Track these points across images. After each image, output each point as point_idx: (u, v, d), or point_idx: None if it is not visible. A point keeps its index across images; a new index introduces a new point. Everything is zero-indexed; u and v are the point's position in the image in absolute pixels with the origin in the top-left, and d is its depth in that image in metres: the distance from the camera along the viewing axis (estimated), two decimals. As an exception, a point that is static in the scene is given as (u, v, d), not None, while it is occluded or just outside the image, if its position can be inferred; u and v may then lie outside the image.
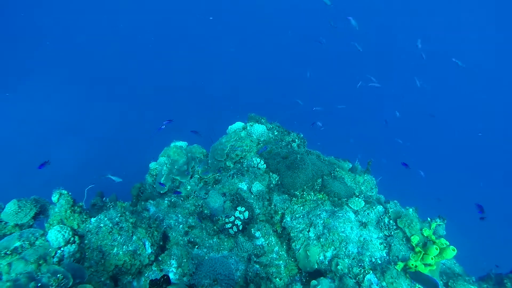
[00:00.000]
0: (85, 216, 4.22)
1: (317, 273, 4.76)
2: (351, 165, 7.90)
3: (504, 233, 17.59)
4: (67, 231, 3.89)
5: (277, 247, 5.13)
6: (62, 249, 3.80)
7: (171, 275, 4.29)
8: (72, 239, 3.91)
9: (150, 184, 6.87)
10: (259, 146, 6.61)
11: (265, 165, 6.05)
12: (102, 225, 4.07)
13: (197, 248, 4.95)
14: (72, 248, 3.83)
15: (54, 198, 4.26)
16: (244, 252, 4.95)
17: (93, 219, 4.19)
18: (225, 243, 5.13)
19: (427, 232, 4.75)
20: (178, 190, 6.02)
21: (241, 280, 4.49)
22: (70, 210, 4.11)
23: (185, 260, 4.45)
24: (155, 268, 4.36)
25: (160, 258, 4.49)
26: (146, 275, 4.29)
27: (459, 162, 25.59)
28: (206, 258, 4.78)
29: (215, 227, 5.26)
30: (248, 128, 7.04)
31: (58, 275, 3.11)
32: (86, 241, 4.00)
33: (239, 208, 5.21)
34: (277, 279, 4.70)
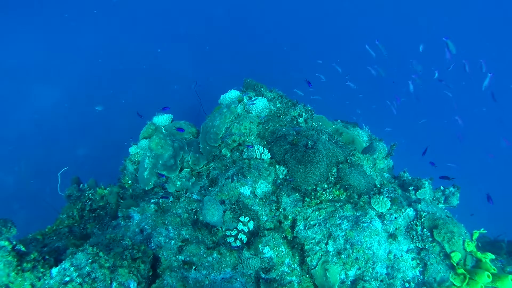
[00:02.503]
0: (42, 269, 3.19)
1: (338, 294, 4.09)
2: (362, 134, 6.92)
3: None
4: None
5: (288, 259, 4.35)
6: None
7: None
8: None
9: (132, 174, 5.80)
10: (259, 127, 5.43)
11: (269, 154, 4.97)
12: (67, 279, 3.10)
13: (195, 269, 4.13)
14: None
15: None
16: (251, 269, 4.17)
17: (54, 271, 3.18)
18: (227, 259, 4.31)
19: (470, 246, 3.98)
20: (165, 187, 5.00)
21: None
22: (16, 272, 3.06)
23: (181, 296, 3.66)
24: (146, 311, 3.58)
25: (151, 296, 3.68)
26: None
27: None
28: (207, 283, 4.00)
29: (213, 238, 4.41)
30: (245, 101, 5.76)
31: None
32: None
33: (242, 219, 4.29)
34: (291, 302, 4.03)
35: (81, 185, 6.57)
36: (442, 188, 6.41)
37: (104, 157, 19.29)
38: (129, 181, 6.01)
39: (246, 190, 4.45)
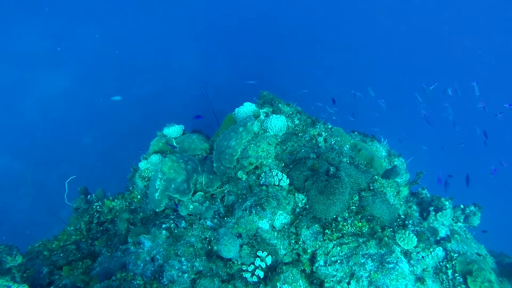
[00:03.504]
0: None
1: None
2: (380, 148, 6.62)
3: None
4: None
5: (306, 295, 4.14)
6: None
7: None
8: None
9: (142, 190, 5.57)
10: (277, 148, 5.12)
11: (288, 180, 4.68)
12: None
13: (209, 306, 3.93)
14: None
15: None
16: (268, 307, 3.97)
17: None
18: (243, 294, 4.10)
19: (504, 296, 3.72)
20: (177, 210, 4.75)
21: None
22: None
23: None
24: None
25: None
26: None
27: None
28: (221, 322, 3.81)
29: (228, 270, 4.18)
30: (262, 117, 5.43)
31: None
32: None
33: (259, 254, 4.05)
34: None
35: (89, 196, 6.36)
36: (462, 206, 6.13)
37: (110, 147, 19.19)
38: (138, 196, 5.79)
39: (264, 224, 4.19)
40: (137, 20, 25.63)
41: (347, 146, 6.05)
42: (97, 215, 5.94)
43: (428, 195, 6.15)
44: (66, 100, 20.98)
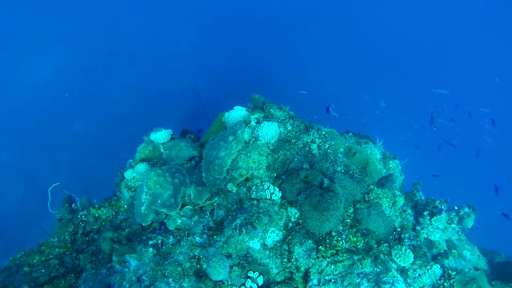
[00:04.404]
0: None
1: None
2: (375, 151, 6.45)
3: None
4: None
5: (299, 314, 4.00)
6: None
7: None
8: None
9: (128, 201, 5.32)
10: (269, 157, 4.88)
11: (280, 192, 4.47)
12: None
13: (198, 330, 3.77)
14: None
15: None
16: (259, 328, 3.82)
17: None
18: (234, 315, 3.94)
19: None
20: (165, 223, 4.53)
21: None
22: None
23: None
24: None
25: None
26: None
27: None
28: None
29: (218, 290, 4.00)
30: (253, 124, 5.17)
31: None
32: None
33: (251, 274, 3.87)
34: None
35: (73, 204, 6.10)
36: (456, 208, 6.05)
37: (101, 134, 18.69)
38: (125, 206, 5.55)
39: (255, 244, 3.99)
40: (131, 4, 24.72)
41: (341, 149, 5.85)
42: (82, 224, 5.71)
43: (423, 197, 6.03)
44: (56, 87, 20.34)
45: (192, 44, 23.62)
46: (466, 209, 6.03)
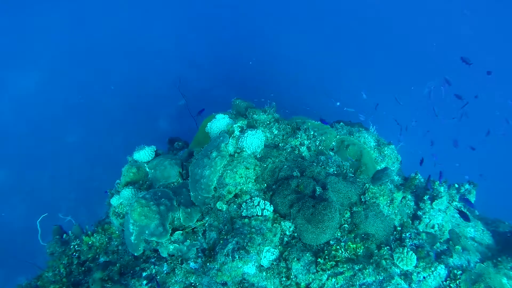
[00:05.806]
0: None
1: None
2: (369, 138, 6.23)
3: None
4: None
5: (304, 331, 3.87)
6: None
7: None
8: None
9: (119, 228, 5.14)
10: (257, 169, 4.64)
11: (271, 206, 4.26)
12: None
13: None
14: None
15: None
16: None
17: None
18: None
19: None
20: (158, 250, 4.36)
21: None
22: None
23: None
24: None
25: None
26: None
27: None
28: None
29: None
30: (236, 133, 4.89)
31: None
32: None
33: (249, 300, 3.72)
34: None
35: (64, 235, 5.92)
36: (456, 185, 5.91)
37: (95, 144, 18.47)
38: (117, 232, 5.37)
39: (250, 268, 3.81)
40: (111, 9, 23.93)
41: (333, 143, 5.62)
42: (76, 254, 5.55)
43: (422, 179, 5.86)
44: (42, 99, 19.96)
45: (175, 37, 22.94)
46: (467, 186, 5.90)
